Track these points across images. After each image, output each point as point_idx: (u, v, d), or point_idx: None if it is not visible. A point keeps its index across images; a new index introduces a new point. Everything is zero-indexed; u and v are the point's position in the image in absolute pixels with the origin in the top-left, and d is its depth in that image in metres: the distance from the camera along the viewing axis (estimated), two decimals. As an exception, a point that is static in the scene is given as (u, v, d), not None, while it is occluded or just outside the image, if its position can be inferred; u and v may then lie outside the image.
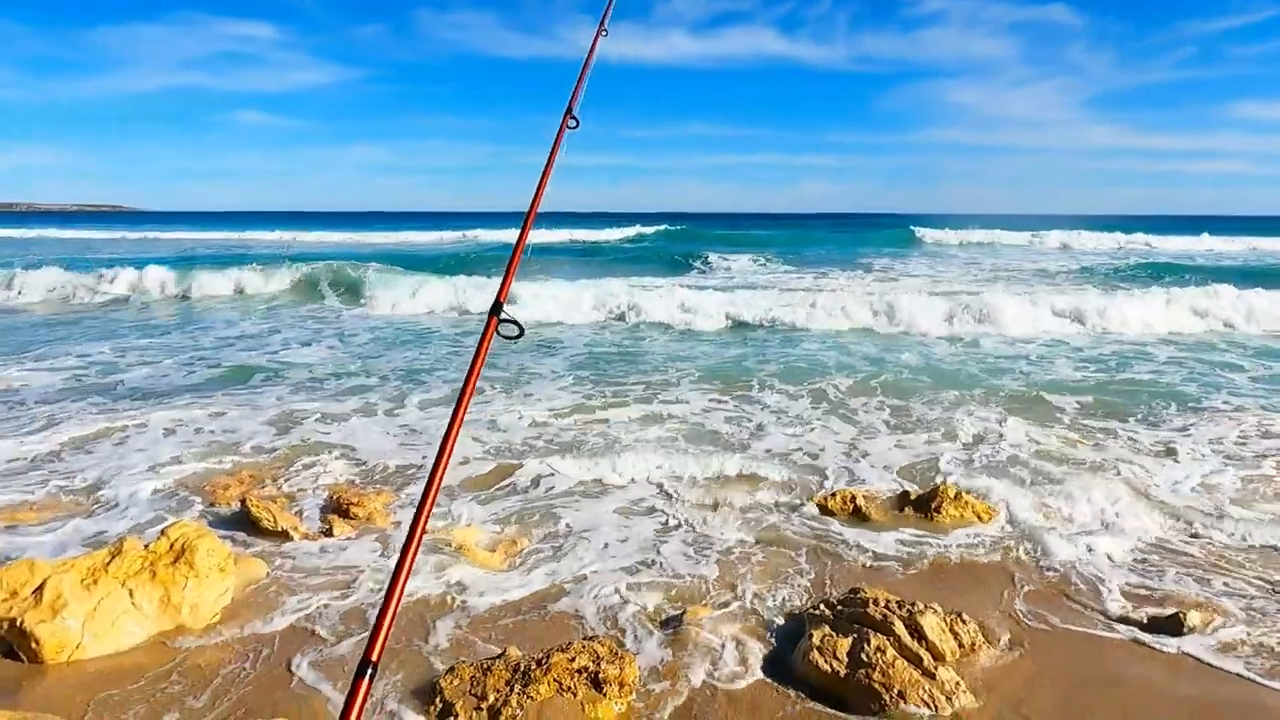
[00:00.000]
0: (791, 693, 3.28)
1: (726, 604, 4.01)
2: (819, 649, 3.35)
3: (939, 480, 5.60)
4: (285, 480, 5.77)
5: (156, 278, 19.03)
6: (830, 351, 11.12)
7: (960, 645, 3.47)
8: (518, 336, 1.92)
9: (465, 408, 1.71)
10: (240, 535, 4.74)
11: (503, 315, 1.95)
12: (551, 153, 2.47)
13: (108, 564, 3.74)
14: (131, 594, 3.70)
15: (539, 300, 14.81)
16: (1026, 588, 4.19)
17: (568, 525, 5.00)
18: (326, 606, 3.98)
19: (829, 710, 3.17)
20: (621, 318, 14.34)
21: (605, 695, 3.16)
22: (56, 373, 9.57)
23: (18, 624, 3.43)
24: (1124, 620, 3.84)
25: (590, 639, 3.37)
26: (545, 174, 2.42)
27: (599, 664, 3.22)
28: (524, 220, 2.26)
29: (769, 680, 3.37)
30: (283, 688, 3.28)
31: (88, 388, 8.78)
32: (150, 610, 3.71)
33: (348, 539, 4.74)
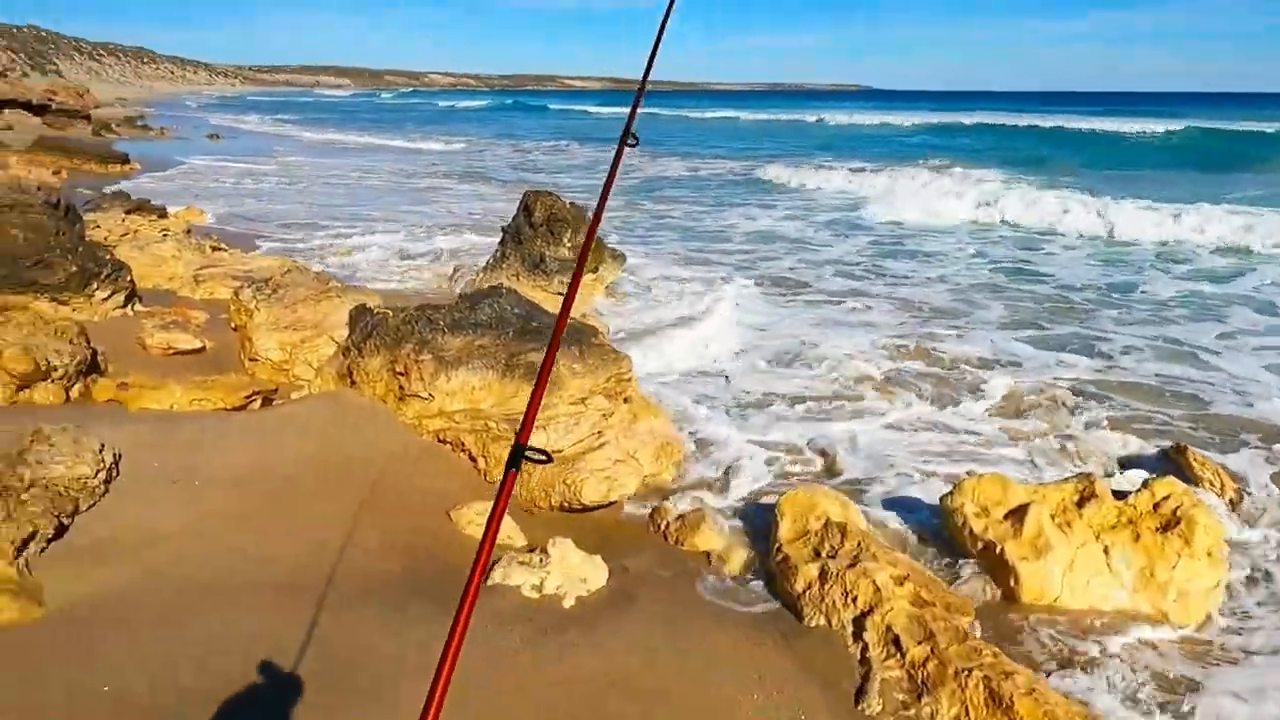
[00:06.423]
0: None
1: None
2: None
3: None
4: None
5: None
6: None
7: None
8: None
9: None
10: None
11: None
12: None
13: (1079, 504, 3.10)
14: (1107, 551, 3.02)
15: None
16: None
17: None
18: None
19: None
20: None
21: None
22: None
23: (997, 550, 3.02)
24: None
25: None
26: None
27: None
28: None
29: None
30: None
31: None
32: (1127, 580, 2.98)
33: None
